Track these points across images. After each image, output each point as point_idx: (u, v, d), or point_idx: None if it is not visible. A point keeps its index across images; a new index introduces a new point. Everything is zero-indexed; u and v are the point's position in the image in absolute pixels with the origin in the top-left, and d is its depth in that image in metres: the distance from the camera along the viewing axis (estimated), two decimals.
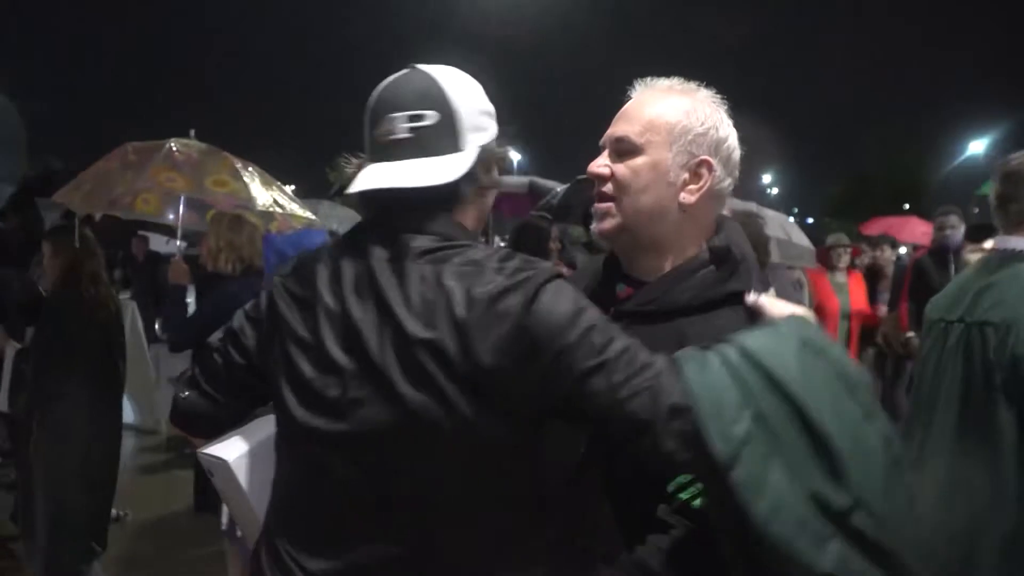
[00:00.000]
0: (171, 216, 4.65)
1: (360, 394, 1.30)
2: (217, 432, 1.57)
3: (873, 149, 37.83)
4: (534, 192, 8.80)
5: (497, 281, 1.27)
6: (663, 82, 1.54)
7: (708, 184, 1.47)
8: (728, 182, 1.52)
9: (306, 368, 1.35)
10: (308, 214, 4.61)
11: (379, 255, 1.35)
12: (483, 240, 1.52)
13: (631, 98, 1.54)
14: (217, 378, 1.52)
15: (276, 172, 4.67)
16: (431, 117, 1.38)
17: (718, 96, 1.53)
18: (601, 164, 1.51)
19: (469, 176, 1.38)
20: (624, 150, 1.48)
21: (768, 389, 1.19)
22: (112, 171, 4.15)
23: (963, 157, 32.16)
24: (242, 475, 1.51)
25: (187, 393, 1.53)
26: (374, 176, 1.36)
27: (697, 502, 1.32)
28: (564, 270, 4.77)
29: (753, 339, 1.25)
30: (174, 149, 4.14)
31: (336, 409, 1.31)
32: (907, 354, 5.94)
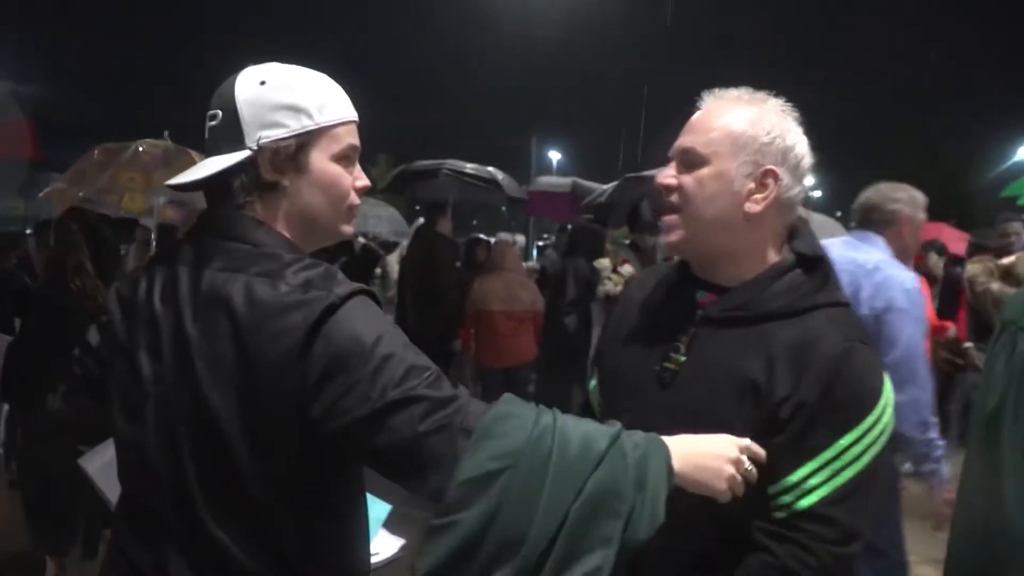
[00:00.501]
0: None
1: (156, 399, 1.32)
2: (95, 438, 1.64)
3: (915, 151, 37.17)
4: (577, 193, 9.08)
5: (285, 295, 1.25)
6: (731, 92, 1.55)
7: (774, 193, 1.48)
8: (797, 190, 1.52)
9: (121, 373, 1.38)
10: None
11: (185, 260, 1.37)
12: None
13: (700, 109, 1.56)
14: (80, 387, 1.55)
15: None
16: (217, 117, 1.39)
17: (787, 105, 1.53)
18: (668, 175, 1.53)
19: (241, 171, 1.36)
20: (691, 162, 1.50)
21: (543, 462, 1.18)
22: (82, 171, 4.30)
23: (1011, 162, 31.42)
24: (103, 483, 1.61)
25: (57, 407, 1.58)
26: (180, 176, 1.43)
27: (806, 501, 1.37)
28: (627, 268, 4.82)
29: (584, 425, 1.26)
30: (140, 150, 4.26)
31: (136, 413, 1.35)
32: (965, 365, 5.85)
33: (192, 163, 4.20)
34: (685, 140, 1.52)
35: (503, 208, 11.82)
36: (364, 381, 1.20)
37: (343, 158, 1.43)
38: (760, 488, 1.37)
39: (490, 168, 8.43)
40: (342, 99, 1.44)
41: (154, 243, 5.20)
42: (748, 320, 1.49)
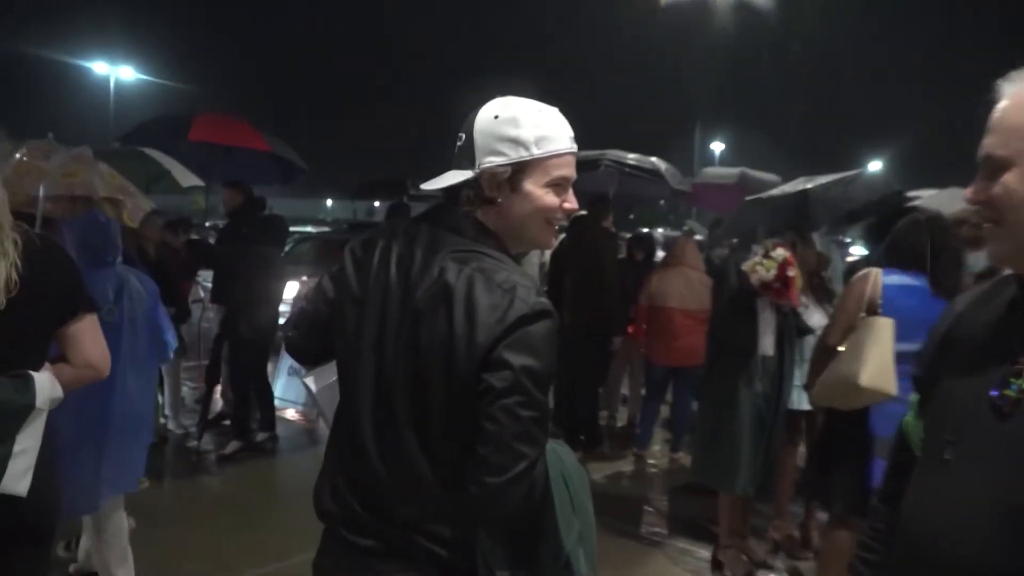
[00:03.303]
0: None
1: (376, 346, 1.69)
2: (316, 362, 1.95)
3: None
4: (745, 184, 8.77)
5: (496, 296, 1.57)
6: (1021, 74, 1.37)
7: None
8: None
9: (350, 316, 1.74)
10: (149, 203, 5.12)
11: (422, 243, 1.71)
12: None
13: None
14: (306, 322, 1.90)
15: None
16: (462, 139, 1.73)
17: None
18: (972, 190, 1.40)
19: (468, 186, 1.71)
20: (994, 167, 1.36)
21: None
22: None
23: None
24: (324, 402, 1.92)
25: (290, 333, 1.95)
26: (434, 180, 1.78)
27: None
28: (780, 252, 4.47)
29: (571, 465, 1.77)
30: (25, 152, 4.42)
31: (356, 352, 1.71)
32: None
33: (78, 158, 4.46)
34: (984, 145, 1.38)
35: (661, 201, 11.57)
36: (506, 391, 1.54)
37: (554, 185, 1.73)
38: None
39: (653, 159, 8.21)
40: (561, 134, 1.73)
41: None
42: None
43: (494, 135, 1.69)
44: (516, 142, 1.68)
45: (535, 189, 1.71)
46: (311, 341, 1.91)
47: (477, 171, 1.70)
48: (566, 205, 1.75)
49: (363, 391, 1.70)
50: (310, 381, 1.95)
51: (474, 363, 1.56)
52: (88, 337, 2.38)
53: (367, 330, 1.71)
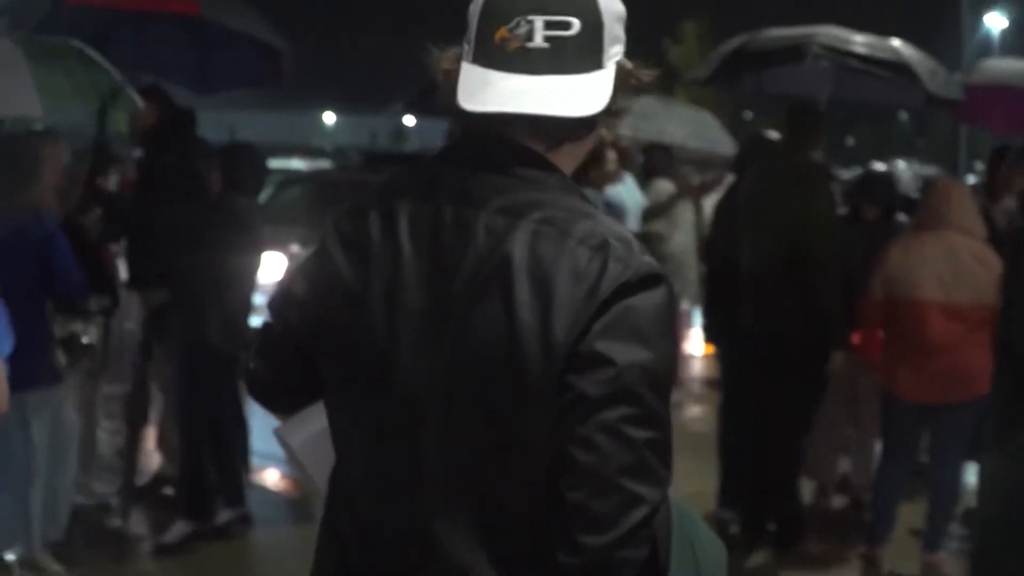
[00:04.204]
0: None
1: (392, 367, 1.49)
2: (292, 405, 1.77)
3: None
4: None
5: (578, 257, 1.39)
6: None
7: None
8: None
9: (346, 330, 1.54)
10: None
11: (449, 196, 1.49)
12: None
13: None
14: (273, 344, 1.72)
15: None
16: (575, 26, 1.49)
17: None
18: None
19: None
20: None
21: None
22: None
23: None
24: (311, 463, 1.78)
25: (252, 365, 1.77)
26: (505, 93, 1.46)
27: None
28: None
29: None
30: None
31: (365, 387, 1.54)
32: None
33: None
34: None
35: (902, 115, 9.89)
36: (607, 401, 1.35)
37: None
38: None
39: (895, 42, 6.48)
40: None
41: None
42: None
43: (616, 13, 1.50)
44: (623, 20, 1.52)
45: None
46: (283, 374, 1.73)
47: (616, 72, 1.49)
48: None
49: (369, 441, 1.52)
50: (287, 434, 1.80)
51: (554, 364, 1.35)
52: None
53: (373, 344, 1.49)
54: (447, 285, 1.43)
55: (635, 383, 1.34)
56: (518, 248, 1.39)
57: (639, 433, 1.34)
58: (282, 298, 1.68)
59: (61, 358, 4.45)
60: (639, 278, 1.37)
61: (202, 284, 5.28)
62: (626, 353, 1.35)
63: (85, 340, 4.55)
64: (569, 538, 1.35)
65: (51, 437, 4.31)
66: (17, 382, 3.67)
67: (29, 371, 3.92)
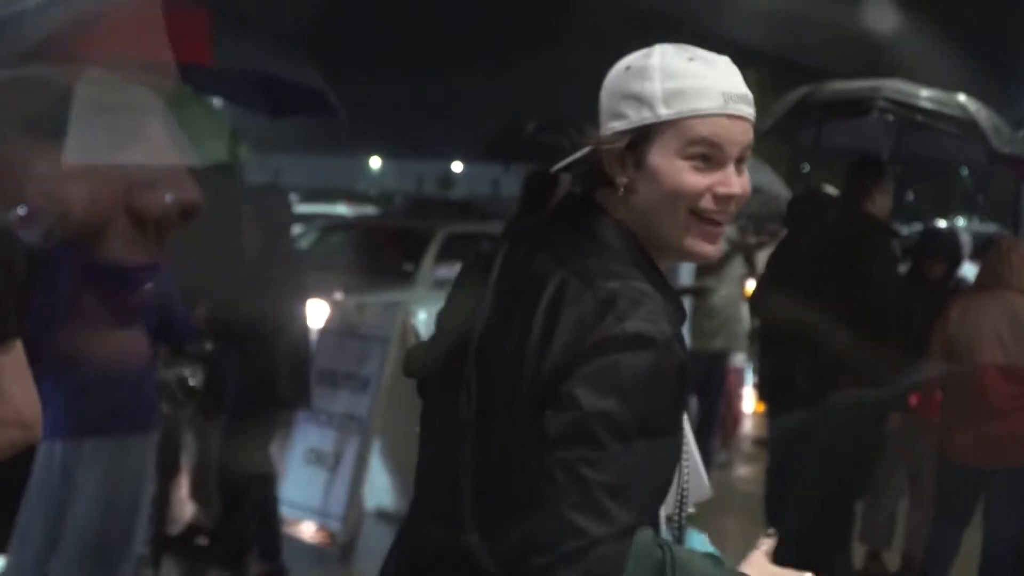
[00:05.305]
0: None
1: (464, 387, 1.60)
2: None
3: None
4: None
5: (588, 305, 1.48)
6: None
7: None
8: None
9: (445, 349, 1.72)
10: None
11: (526, 245, 1.66)
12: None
13: None
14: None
15: None
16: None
17: None
18: None
19: (580, 163, 1.64)
20: None
21: None
22: None
23: None
24: None
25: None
26: None
27: None
28: None
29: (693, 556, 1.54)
30: None
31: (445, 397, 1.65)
32: None
33: None
34: None
35: (964, 172, 9.58)
36: (567, 440, 1.45)
37: (697, 157, 1.55)
38: None
39: (960, 97, 6.32)
40: (711, 89, 1.54)
41: None
42: None
43: (619, 92, 1.58)
44: (640, 99, 1.54)
45: (664, 163, 1.55)
46: None
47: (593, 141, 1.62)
48: (720, 189, 1.57)
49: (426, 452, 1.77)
50: None
51: (537, 391, 1.49)
52: (11, 377, 2.04)
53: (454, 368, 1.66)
54: (495, 306, 1.63)
55: (597, 429, 1.43)
56: (549, 286, 1.53)
57: (594, 476, 1.42)
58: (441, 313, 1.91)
59: (170, 402, 4.24)
60: (627, 336, 1.45)
61: (247, 332, 5.18)
62: (596, 402, 1.43)
63: (192, 383, 4.33)
64: (521, 552, 1.48)
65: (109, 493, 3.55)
66: (102, 424, 3.45)
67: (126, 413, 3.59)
